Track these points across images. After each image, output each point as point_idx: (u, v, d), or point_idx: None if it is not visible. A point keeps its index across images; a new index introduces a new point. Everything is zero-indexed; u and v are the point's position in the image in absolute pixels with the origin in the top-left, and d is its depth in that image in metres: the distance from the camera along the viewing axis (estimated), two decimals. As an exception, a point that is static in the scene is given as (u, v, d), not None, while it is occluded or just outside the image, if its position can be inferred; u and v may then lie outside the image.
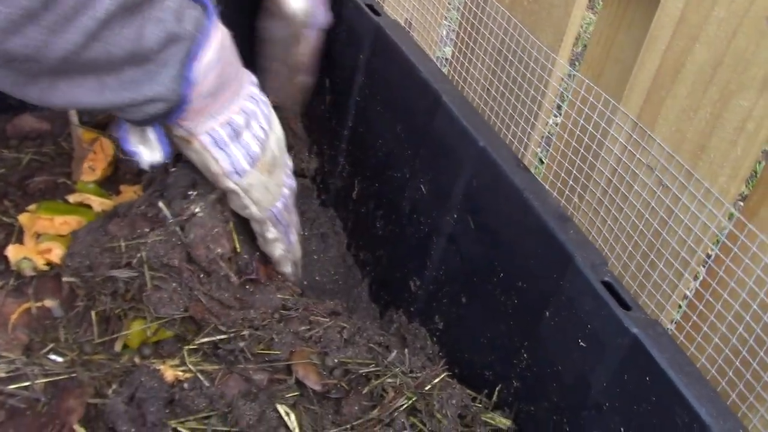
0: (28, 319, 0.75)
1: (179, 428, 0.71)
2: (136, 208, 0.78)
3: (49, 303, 0.77)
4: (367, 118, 1.00)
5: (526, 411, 0.75)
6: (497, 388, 0.79)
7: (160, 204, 0.77)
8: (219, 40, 0.67)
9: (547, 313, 0.72)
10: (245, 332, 0.77)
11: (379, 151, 0.97)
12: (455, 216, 0.83)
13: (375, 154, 0.98)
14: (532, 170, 0.81)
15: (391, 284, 0.96)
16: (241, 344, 0.76)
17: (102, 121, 0.98)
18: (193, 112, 0.69)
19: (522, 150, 1.13)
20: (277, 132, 0.81)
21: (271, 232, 0.83)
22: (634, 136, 0.93)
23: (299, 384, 0.76)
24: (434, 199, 0.87)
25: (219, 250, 0.77)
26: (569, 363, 0.70)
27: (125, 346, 0.77)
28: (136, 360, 0.75)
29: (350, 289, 1.02)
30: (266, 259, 0.86)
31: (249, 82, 0.77)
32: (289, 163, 0.85)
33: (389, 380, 0.78)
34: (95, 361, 0.74)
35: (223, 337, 0.76)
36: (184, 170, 0.81)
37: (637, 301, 0.67)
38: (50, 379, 0.71)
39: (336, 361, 0.78)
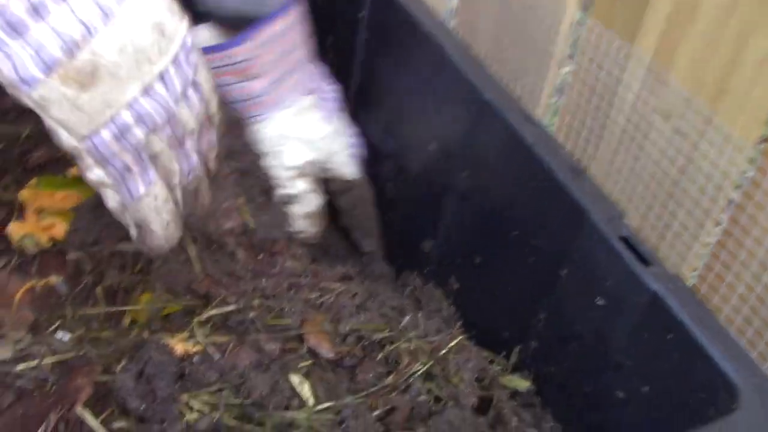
0: (33, 298, 0.74)
1: (191, 401, 0.70)
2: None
3: (54, 280, 0.75)
4: (373, 76, 0.97)
5: (546, 372, 0.73)
6: (515, 350, 0.77)
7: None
8: None
9: (564, 272, 0.70)
10: (255, 302, 0.75)
11: (387, 109, 0.94)
12: (465, 173, 0.81)
13: (383, 112, 0.95)
14: (546, 122, 0.78)
15: (404, 246, 0.94)
16: (252, 315, 0.75)
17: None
18: None
19: (534, 101, 1.09)
20: (121, 29, 0.55)
21: (88, 169, 0.59)
22: (649, 82, 0.89)
23: (312, 353, 0.75)
24: (444, 157, 0.84)
25: (229, 225, 0.75)
26: (587, 322, 0.68)
27: (134, 321, 0.75)
28: (145, 335, 0.74)
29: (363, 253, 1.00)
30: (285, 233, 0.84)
31: None
32: (171, 77, 0.59)
33: (404, 345, 0.76)
34: (103, 338, 0.72)
35: (232, 308, 0.75)
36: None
37: (657, 256, 0.64)
38: (58, 358, 0.70)
39: (348, 328, 0.76)
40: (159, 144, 0.60)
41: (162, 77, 0.58)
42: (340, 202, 0.97)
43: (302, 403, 0.71)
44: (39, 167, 0.87)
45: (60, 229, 0.77)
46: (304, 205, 0.89)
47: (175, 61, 0.59)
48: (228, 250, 0.76)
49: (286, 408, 0.70)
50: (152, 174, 0.61)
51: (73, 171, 0.84)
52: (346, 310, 0.78)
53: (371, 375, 0.74)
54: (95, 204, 0.76)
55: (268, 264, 0.79)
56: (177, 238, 0.67)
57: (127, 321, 0.75)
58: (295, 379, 0.72)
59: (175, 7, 0.60)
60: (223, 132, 0.72)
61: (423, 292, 0.88)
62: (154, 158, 0.61)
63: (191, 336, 0.74)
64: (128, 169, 0.59)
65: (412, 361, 0.74)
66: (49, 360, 0.70)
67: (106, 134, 0.57)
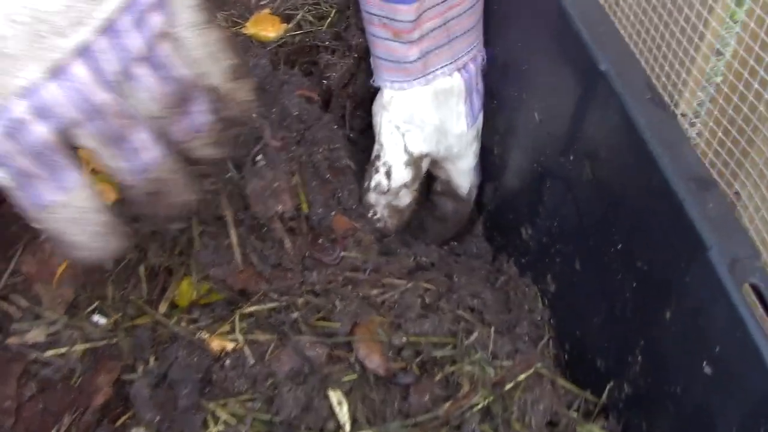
0: (76, 272, 0.69)
1: (217, 411, 0.62)
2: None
3: (100, 253, 0.70)
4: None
5: (635, 427, 0.58)
6: (607, 387, 0.61)
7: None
8: None
9: (668, 314, 0.53)
10: (301, 300, 0.65)
11: (494, 60, 0.77)
12: (571, 158, 0.64)
13: (490, 65, 0.78)
14: (686, 125, 0.58)
15: (503, 226, 0.79)
16: (294, 315, 0.65)
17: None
18: None
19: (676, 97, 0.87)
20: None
21: None
22: None
23: (360, 364, 0.64)
24: (548, 132, 0.67)
25: (279, 207, 0.64)
26: (690, 387, 0.51)
27: (174, 306, 0.68)
28: (183, 324, 0.67)
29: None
30: (348, 212, 0.72)
31: None
32: (66, 42, 0.42)
33: (467, 368, 0.63)
34: (139, 325, 0.66)
35: (273, 305, 0.65)
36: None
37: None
38: (89, 346, 0.65)
39: (405, 339, 0.64)
40: (86, 140, 0.46)
41: (81, 53, 0.42)
42: (434, 201, 0.84)
43: (338, 427, 0.61)
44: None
45: (110, 197, 0.71)
46: (399, 197, 0.76)
47: (109, 29, 0.43)
48: (277, 237, 0.65)
49: (320, 431, 0.61)
50: (74, 178, 0.46)
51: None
52: (409, 314, 0.66)
53: (427, 398, 0.62)
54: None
55: (324, 254, 0.68)
56: (120, 248, 0.50)
57: (163, 307, 0.68)
58: (334, 396, 0.63)
59: None
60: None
61: (518, 285, 0.73)
62: (73, 157, 0.46)
63: (231, 330, 0.66)
64: (28, 174, 0.44)
65: (471, 392, 0.61)
66: (79, 347, 0.65)
67: None
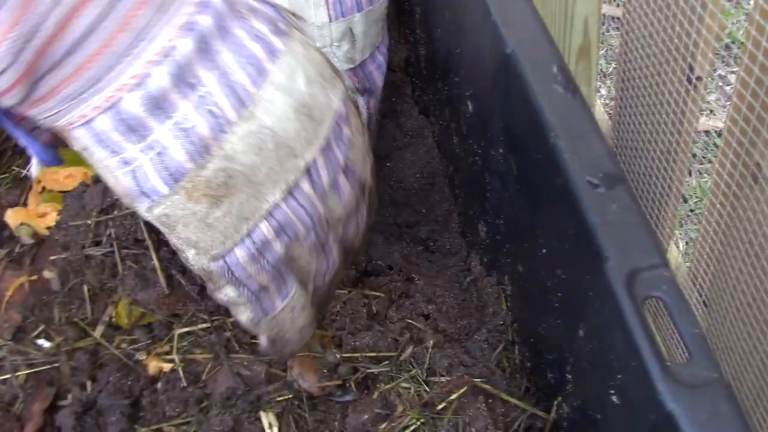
0: (24, 295, 0.69)
1: (148, 437, 0.61)
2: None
3: (48, 274, 0.69)
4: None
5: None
6: (555, 403, 0.55)
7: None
8: None
9: (581, 332, 0.46)
10: (231, 319, 0.63)
11: (439, 49, 0.71)
12: (501, 151, 0.57)
13: (438, 53, 0.72)
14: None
15: (468, 221, 0.73)
16: (227, 334, 0.62)
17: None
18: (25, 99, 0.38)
19: (690, 61, 0.77)
20: (262, 119, 0.42)
21: (224, 293, 0.46)
22: None
23: (295, 384, 0.61)
24: (480, 122, 0.61)
25: None
26: (606, 414, 0.45)
27: (117, 327, 0.67)
28: (123, 346, 0.65)
29: (437, 211, 0.80)
30: None
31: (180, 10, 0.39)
32: (299, 163, 0.44)
33: (403, 385, 0.58)
34: (80, 348, 0.66)
35: (206, 326, 0.63)
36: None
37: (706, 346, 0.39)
38: (31, 371, 0.65)
39: (338, 356, 0.60)
40: (299, 250, 0.47)
41: (308, 172, 0.45)
42: None
43: (266, 453, 0.58)
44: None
45: (51, 218, 0.70)
46: None
47: (326, 147, 0.45)
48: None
49: (249, 457, 0.59)
50: (290, 284, 0.48)
51: (77, 145, 0.76)
52: (351, 326, 0.62)
53: (365, 418, 0.59)
54: (79, 194, 0.68)
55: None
56: (311, 335, 0.53)
57: (101, 329, 0.66)
58: (265, 419, 0.60)
59: (327, 72, 0.45)
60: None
61: (483, 286, 0.68)
62: (291, 265, 0.48)
63: (170, 350, 0.64)
64: (264, 288, 0.47)
65: (404, 412, 0.56)
66: (22, 373, 0.65)
67: (240, 254, 0.44)
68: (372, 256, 0.70)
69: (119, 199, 0.64)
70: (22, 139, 0.50)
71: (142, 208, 0.42)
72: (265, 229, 0.44)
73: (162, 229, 0.43)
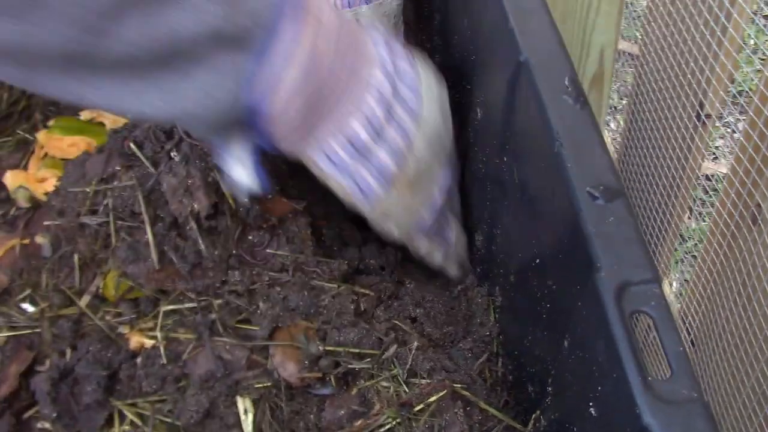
0: (14, 258, 0.69)
1: (125, 410, 0.60)
2: (112, 143, 0.65)
3: (40, 239, 0.69)
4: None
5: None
6: (533, 416, 0.55)
7: (131, 144, 0.63)
8: (310, 37, 0.47)
9: (566, 343, 0.46)
10: (219, 301, 0.62)
11: (454, 56, 0.71)
12: (505, 159, 0.57)
13: (454, 60, 0.72)
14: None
15: (466, 229, 0.73)
16: (213, 315, 0.62)
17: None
18: (284, 133, 0.51)
19: (701, 98, 0.77)
20: (428, 123, 0.57)
21: (423, 247, 0.65)
22: None
23: (275, 372, 0.61)
24: (486, 130, 0.61)
25: (195, 206, 0.61)
26: (583, 427, 0.44)
27: (104, 299, 0.67)
28: (108, 318, 0.65)
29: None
30: (281, 194, 0.67)
31: (370, 57, 0.54)
32: (446, 147, 0.61)
33: (383, 383, 0.58)
34: (64, 316, 0.65)
35: (192, 305, 0.63)
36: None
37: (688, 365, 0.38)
38: (12, 334, 0.65)
39: (321, 348, 0.60)
40: (448, 198, 0.64)
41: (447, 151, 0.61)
42: None
43: (240, 438, 0.58)
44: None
45: (50, 184, 0.70)
46: None
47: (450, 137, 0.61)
48: (192, 238, 0.62)
49: (221, 439, 0.58)
50: (450, 218, 0.66)
51: (84, 113, 0.76)
52: (338, 320, 0.62)
53: (342, 413, 0.58)
54: (81, 162, 0.68)
55: (248, 250, 0.64)
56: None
57: (87, 299, 0.66)
58: (241, 404, 0.59)
59: (435, 73, 0.59)
60: None
61: (473, 296, 0.67)
62: (448, 206, 0.65)
63: (154, 327, 0.64)
64: (441, 228, 0.65)
65: (381, 410, 0.56)
66: (3, 335, 0.65)
67: (428, 217, 0.62)
68: (365, 255, 0.69)
69: (120, 170, 0.65)
70: (250, 167, 0.55)
71: (365, 209, 0.58)
72: (438, 197, 0.61)
73: (376, 221, 0.59)
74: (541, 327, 0.51)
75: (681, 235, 1.43)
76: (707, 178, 1.49)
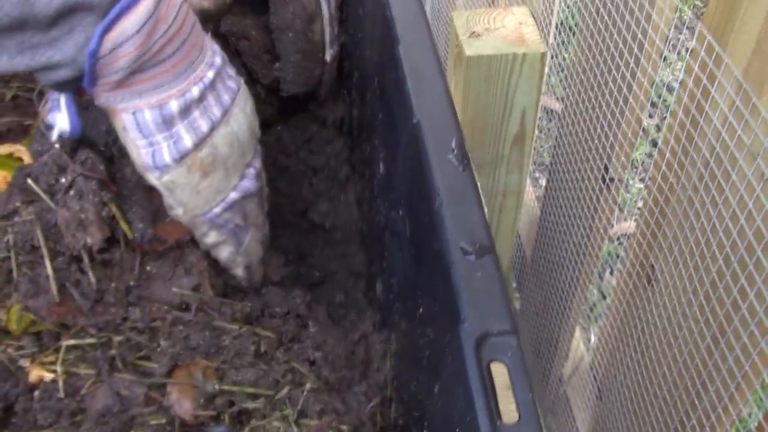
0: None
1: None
2: (16, 179, 0.67)
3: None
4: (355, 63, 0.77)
5: None
6: (415, 461, 0.57)
7: (28, 180, 0.65)
8: (146, 5, 0.54)
9: (437, 388, 0.49)
10: (119, 337, 0.64)
11: (367, 112, 0.75)
12: (400, 212, 0.60)
13: (366, 116, 0.76)
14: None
15: (370, 277, 0.75)
16: (112, 352, 0.63)
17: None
18: (111, 85, 0.57)
19: (625, 111, 0.82)
20: (233, 126, 0.64)
21: (209, 237, 0.68)
22: (738, 103, 0.61)
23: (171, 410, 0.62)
24: (387, 184, 0.64)
25: (87, 239, 0.63)
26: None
27: (7, 332, 0.67)
28: (9, 351, 0.66)
29: (346, 265, 0.83)
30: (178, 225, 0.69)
31: (207, 60, 0.62)
32: (256, 164, 0.69)
33: (275, 423, 0.60)
34: (-34, 348, 0.66)
35: (92, 341, 0.64)
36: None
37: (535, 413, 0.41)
38: None
39: (217, 387, 0.61)
40: (251, 205, 0.70)
41: (250, 164, 0.68)
42: None
43: (129, 474, 0.59)
44: (3, 135, 0.82)
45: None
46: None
47: (256, 153, 0.69)
48: (83, 272, 0.64)
49: (110, 476, 0.59)
50: (248, 226, 0.71)
51: (2, 148, 0.77)
52: (237, 361, 0.64)
53: (232, 452, 0.60)
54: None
55: (148, 285, 0.66)
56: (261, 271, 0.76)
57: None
58: (133, 440, 0.60)
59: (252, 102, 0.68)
60: None
61: (372, 341, 0.70)
62: (248, 214, 0.70)
63: (55, 361, 0.65)
64: (237, 227, 0.69)
65: (268, 450, 0.58)
66: None
67: (218, 210, 0.67)
68: (270, 302, 0.71)
69: (21, 205, 0.66)
70: (66, 103, 0.60)
71: (153, 177, 0.62)
72: (234, 195, 0.66)
73: (163, 191, 0.63)
74: (422, 373, 0.54)
75: (602, 292, 1.48)
76: (628, 237, 1.55)
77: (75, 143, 0.66)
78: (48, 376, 0.64)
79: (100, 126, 0.67)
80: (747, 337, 0.63)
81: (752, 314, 0.62)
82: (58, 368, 0.64)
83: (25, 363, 0.65)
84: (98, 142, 0.67)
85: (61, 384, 0.63)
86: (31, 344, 0.65)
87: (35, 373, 0.64)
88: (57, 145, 0.65)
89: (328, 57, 0.82)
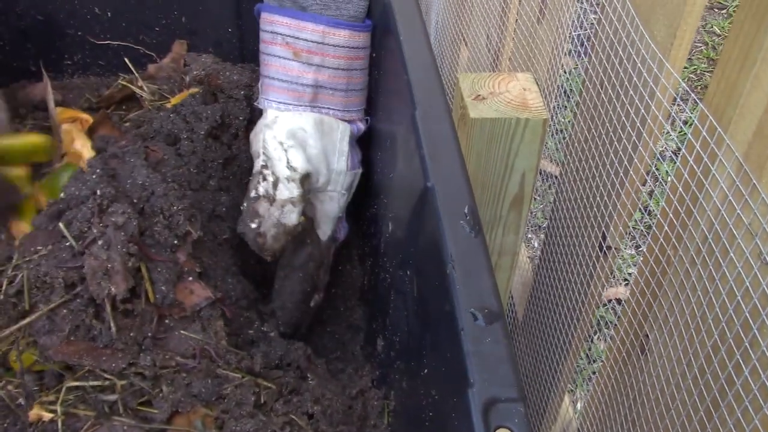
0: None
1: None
2: (41, 218, 0.68)
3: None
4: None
5: None
6: None
7: (60, 224, 0.66)
8: None
9: (440, 451, 0.49)
10: (122, 382, 0.64)
11: (377, 171, 0.77)
12: (408, 272, 0.62)
13: (376, 175, 0.78)
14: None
15: (369, 334, 0.76)
16: (113, 397, 0.64)
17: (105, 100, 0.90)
18: None
19: (625, 182, 0.84)
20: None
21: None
22: (738, 183, 0.63)
23: (169, 456, 0.62)
24: (394, 243, 0.66)
25: (111, 289, 0.64)
26: None
27: (9, 368, 0.68)
28: (10, 388, 0.66)
29: (347, 320, 0.84)
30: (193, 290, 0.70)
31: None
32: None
33: (271, 478, 0.60)
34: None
35: (95, 383, 0.64)
36: (102, 176, 0.68)
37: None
38: None
39: (216, 437, 0.62)
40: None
41: None
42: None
43: None
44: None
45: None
46: (285, 213, 0.74)
47: None
48: (106, 321, 0.64)
49: None
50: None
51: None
52: (237, 411, 0.64)
53: (227, 503, 0.60)
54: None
55: (162, 334, 0.66)
56: None
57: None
58: (127, 488, 0.60)
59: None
60: None
61: (369, 398, 0.70)
62: None
63: (55, 401, 0.65)
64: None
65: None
66: None
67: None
68: (269, 352, 0.72)
69: (43, 246, 0.67)
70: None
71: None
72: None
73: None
74: (424, 434, 0.55)
75: (588, 355, 1.49)
76: (618, 302, 1.56)
77: (112, 195, 0.66)
78: (47, 416, 0.64)
79: (136, 178, 0.68)
80: (741, 412, 0.64)
81: (747, 391, 0.63)
82: (59, 408, 0.64)
83: (24, 402, 0.65)
84: (133, 195, 0.68)
85: (59, 424, 0.63)
86: (33, 383, 0.66)
87: (34, 413, 0.64)
88: (98, 191, 0.66)
89: (312, 303, 0.84)
